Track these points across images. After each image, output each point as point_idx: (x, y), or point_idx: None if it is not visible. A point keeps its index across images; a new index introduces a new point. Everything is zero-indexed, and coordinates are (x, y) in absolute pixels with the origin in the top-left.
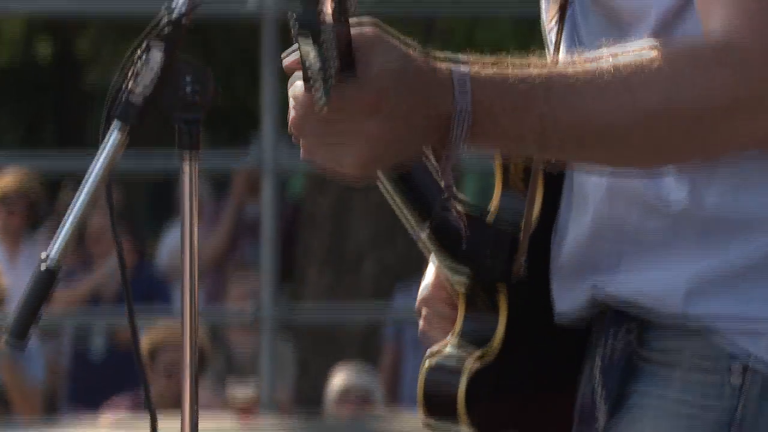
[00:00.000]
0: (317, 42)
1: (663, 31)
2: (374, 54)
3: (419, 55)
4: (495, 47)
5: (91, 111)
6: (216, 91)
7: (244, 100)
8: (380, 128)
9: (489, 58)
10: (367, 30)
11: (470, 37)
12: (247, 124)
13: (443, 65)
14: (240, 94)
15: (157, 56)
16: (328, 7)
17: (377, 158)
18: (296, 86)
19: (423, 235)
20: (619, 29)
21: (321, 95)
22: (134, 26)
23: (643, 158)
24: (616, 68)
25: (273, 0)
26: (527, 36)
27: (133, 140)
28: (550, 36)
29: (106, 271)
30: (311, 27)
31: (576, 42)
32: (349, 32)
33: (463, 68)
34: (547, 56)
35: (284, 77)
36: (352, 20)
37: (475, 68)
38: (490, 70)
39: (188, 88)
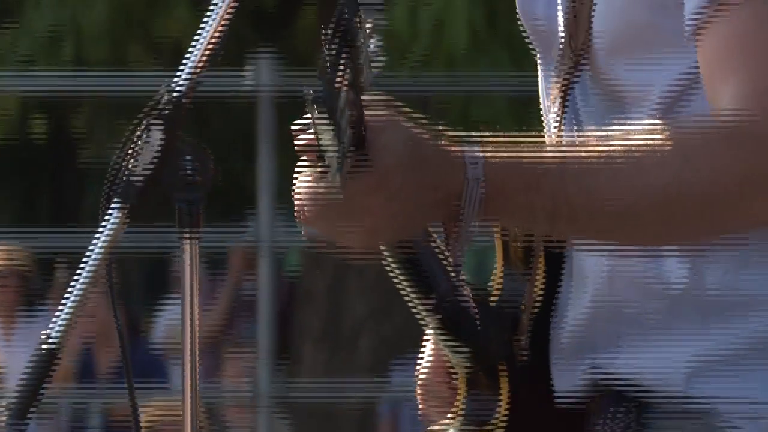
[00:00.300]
0: (333, 120)
1: (666, 111)
2: (384, 128)
3: (430, 133)
4: (490, 124)
5: (85, 189)
6: (215, 171)
7: (240, 177)
8: (385, 206)
9: (501, 138)
10: (379, 103)
11: (465, 114)
12: (243, 201)
13: (455, 143)
14: (236, 171)
15: (157, 135)
16: (341, 79)
17: (381, 234)
18: (302, 162)
19: (428, 317)
20: (620, 110)
21: (335, 173)
22: (129, 104)
23: (654, 238)
24: (628, 149)
25: (269, 77)
26: (523, 113)
27: (129, 217)
28: (551, 118)
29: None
30: (328, 105)
31: (576, 124)
32: (362, 109)
33: (476, 146)
34: (546, 138)
35: (280, 154)
36: (365, 96)
37: (488, 146)
38: (502, 148)
39: (188, 168)
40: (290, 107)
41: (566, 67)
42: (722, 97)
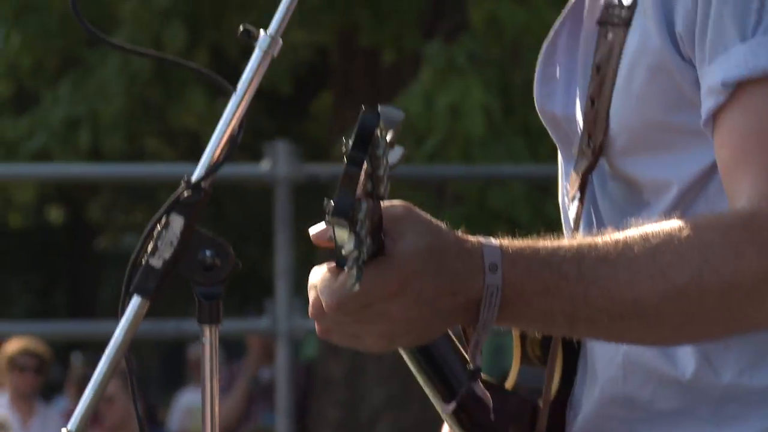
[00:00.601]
0: (353, 228)
1: (684, 205)
2: (402, 234)
3: (449, 234)
4: (507, 211)
5: (102, 277)
6: (236, 262)
7: (257, 265)
8: (403, 312)
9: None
10: (398, 208)
11: (482, 200)
12: (260, 288)
13: (474, 243)
14: (253, 259)
15: (177, 227)
16: (361, 189)
17: (398, 338)
18: (318, 269)
19: (444, 411)
20: (639, 206)
21: (353, 279)
22: (145, 192)
23: (673, 337)
24: (646, 245)
25: (285, 165)
26: (540, 199)
27: (148, 308)
28: (570, 214)
29: None
30: (348, 214)
31: (595, 218)
32: (381, 213)
33: (495, 246)
34: (564, 232)
35: (297, 242)
36: (384, 204)
37: (506, 245)
38: (520, 246)
39: (208, 261)
40: (307, 195)
41: (585, 165)
42: (740, 193)
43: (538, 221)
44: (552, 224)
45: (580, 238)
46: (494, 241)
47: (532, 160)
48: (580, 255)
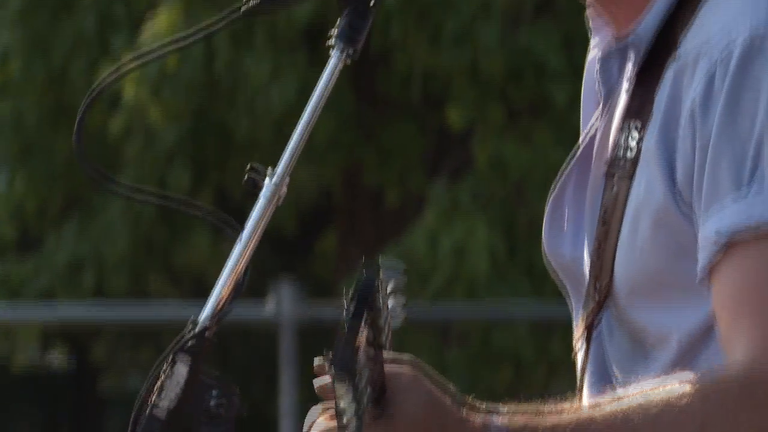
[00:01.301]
0: (352, 384)
1: (685, 355)
2: (402, 403)
3: (451, 410)
4: (512, 350)
5: (105, 418)
6: (241, 406)
7: (262, 406)
8: None
9: (523, 406)
10: (404, 375)
11: (486, 340)
12: (264, 430)
13: (478, 422)
14: (257, 400)
15: (182, 370)
16: (362, 339)
17: None
18: (315, 410)
19: None
20: (643, 350)
21: (352, 430)
22: (149, 333)
23: None
24: (645, 414)
25: (290, 305)
26: (544, 339)
27: None
28: (578, 356)
29: None
30: (348, 370)
31: (602, 362)
32: (383, 367)
33: (501, 427)
34: (576, 375)
35: (302, 384)
36: (387, 354)
37: (510, 420)
38: (523, 421)
39: (213, 403)
40: (312, 335)
41: (591, 307)
42: (736, 347)
43: (543, 360)
44: (556, 363)
45: (581, 409)
46: (499, 420)
47: (537, 299)
48: (579, 428)
